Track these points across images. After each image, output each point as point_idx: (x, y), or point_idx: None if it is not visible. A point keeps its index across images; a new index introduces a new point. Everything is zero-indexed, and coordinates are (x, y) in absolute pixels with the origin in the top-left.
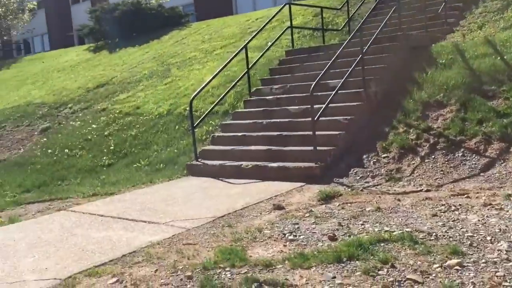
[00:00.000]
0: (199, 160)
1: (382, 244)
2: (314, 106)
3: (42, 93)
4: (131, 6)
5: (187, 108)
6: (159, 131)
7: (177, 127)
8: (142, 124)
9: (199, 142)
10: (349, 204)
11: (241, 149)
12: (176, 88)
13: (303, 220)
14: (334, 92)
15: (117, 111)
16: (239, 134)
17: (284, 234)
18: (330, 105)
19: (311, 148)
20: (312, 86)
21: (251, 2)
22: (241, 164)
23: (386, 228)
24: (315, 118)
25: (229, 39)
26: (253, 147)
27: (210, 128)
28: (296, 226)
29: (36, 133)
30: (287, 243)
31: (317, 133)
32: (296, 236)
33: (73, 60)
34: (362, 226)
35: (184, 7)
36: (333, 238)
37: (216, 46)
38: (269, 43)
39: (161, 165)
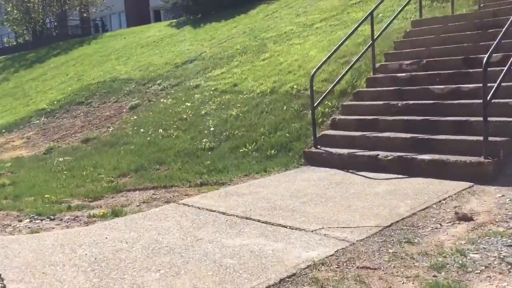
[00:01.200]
0: (319, 147)
1: None
2: (469, 85)
3: (127, 69)
4: None
5: (295, 86)
6: (264, 112)
7: (285, 107)
8: (243, 103)
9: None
10: None
11: (374, 136)
12: (278, 64)
13: None
14: (506, 67)
15: (212, 88)
16: (369, 117)
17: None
18: (490, 84)
19: (474, 138)
20: (484, 60)
21: None
22: (378, 155)
23: None
24: (488, 99)
25: (328, 12)
26: (390, 134)
27: (327, 109)
28: None
29: (124, 110)
30: None
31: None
32: None
33: (155, 35)
34: None
35: None
36: None
37: (314, 19)
38: (380, 15)
39: (272, 151)
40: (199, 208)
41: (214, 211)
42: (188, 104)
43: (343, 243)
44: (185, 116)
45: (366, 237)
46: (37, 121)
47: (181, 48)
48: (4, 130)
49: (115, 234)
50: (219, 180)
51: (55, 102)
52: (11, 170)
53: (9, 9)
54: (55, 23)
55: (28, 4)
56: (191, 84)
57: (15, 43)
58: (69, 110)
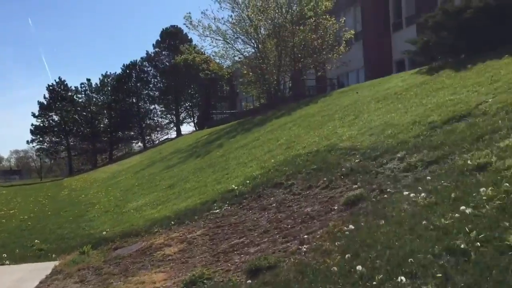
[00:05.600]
0: None
1: None
2: None
3: (352, 132)
4: (493, 2)
5: None
6: None
7: None
8: None
9: None
10: None
11: None
12: None
13: None
14: None
15: None
16: None
17: None
18: None
19: None
20: None
21: None
22: None
23: None
24: None
25: None
26: None
27: None
28: None
29: (336, 207)
30: None
31: None
32: None
33: (397, 86)
34: None
35: None
36: None
37: None
38: None
39: None
40: None
41: None
42: (469, 211)
43: None
44: (463, 245)
45: None
46: (217, 210)
47: (440, 99)
48: (174, 221)
49: None
50: None
51: (248, 182)
52: None
53: (245, 72)
54: (290, 84)
55: (262, 65)
56: (468, 161)
57: (252, 107)
58: (261, 195)
